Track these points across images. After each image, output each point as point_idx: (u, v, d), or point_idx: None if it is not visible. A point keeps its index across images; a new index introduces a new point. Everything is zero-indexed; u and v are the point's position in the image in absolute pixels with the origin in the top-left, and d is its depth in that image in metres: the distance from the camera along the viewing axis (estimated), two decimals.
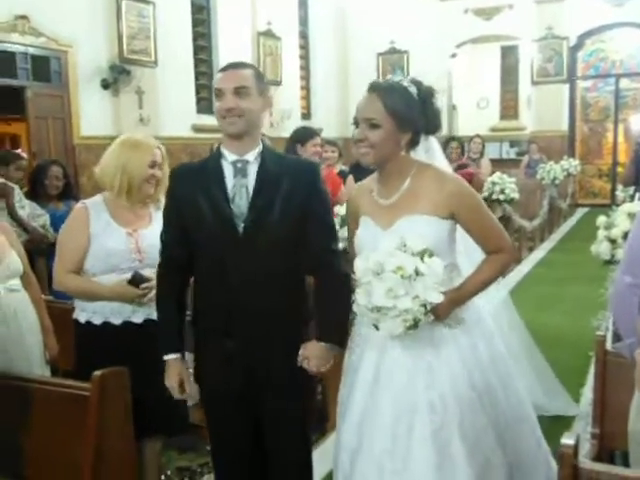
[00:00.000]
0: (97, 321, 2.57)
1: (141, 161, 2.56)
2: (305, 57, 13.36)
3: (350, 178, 5.00)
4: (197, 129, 9.81)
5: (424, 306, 1.90)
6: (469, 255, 2.21)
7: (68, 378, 2.50)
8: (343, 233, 2.58)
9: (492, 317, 2.35)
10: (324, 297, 2.19)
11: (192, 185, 2.16)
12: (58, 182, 4.61)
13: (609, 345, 2.48)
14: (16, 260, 2.72)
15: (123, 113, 8.68)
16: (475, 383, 2.06)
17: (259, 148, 2.17)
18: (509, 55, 15.51)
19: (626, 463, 2.09)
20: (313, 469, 2.36)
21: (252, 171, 2.14)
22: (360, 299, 1.94)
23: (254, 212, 2.10)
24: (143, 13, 8.81)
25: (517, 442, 2.15)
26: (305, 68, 13.35)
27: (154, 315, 2.39)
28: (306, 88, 13.39)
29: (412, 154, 2.14)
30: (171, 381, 2.22)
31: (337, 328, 2.19)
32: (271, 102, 2.25)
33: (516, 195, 7.83)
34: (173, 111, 9.27)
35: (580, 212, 12.99)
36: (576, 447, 1.49)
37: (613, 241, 3.41)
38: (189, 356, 2.34)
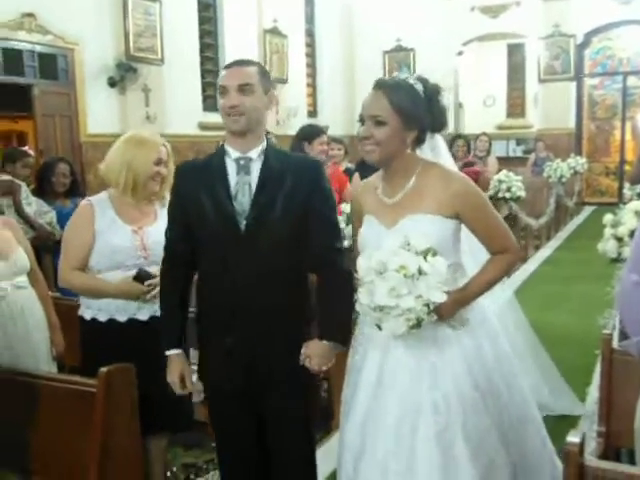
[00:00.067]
0: (102, 318, 2.57)
1: (147, 158, 2.56)
2: (311, 55, 13.35)
3: (356, 176, 4.99)
4: (203, 127, 9.83)
5: (427, 305, 1.88)
6: (474, 255, 2.19)
7: (75, 374, 2.51)
8: (349, 231, 2.58)
9: (497, 316, 2.34)
10: (327, 295, 2.18)
11: (196, 182, 2.16)
12: (65, 179, 4.63)
13: (616, 343, 2.48)
14: (23, 257, 2.73)
15: (130, 111, 8.70)
16: (479, 384, 2.05)
17: (262, 145, 2.16)
18: (516, 53, 15.46)
19: (632, 461, 2.08)
20: (317, 467, 2.36)
21: (255, 168, 2.14)
22: (363, 298, 1.93)
23: (256, 209, 2.10)
24: (150, 11, 8.83)
25: (522, 442, 2.14)
26: (311, 66, 13.34)
27: (159, 312, 2.40)
28: (312, 86, 13.39)
29: (418, 152, 2.13)
30: (172, 377, 2.23)
31: (340, 326, 2.18)
32: (276, 100, 2.25)
33: (522, 193, 7.81)
34: (179, 109, 9.28)
35: (587, 210, 12.94)
36: (582, 445, 1.49)
37: (620, 239, 3.40)
38: (194, 353, 2.35)
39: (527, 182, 8.39)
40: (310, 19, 13.13)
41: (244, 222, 2.10)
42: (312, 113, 13.08)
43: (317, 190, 2.16)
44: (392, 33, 13.61)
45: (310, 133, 4.46)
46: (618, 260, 3.40)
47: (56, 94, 7.93)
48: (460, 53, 14.43)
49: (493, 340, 2.14)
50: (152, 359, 2.29)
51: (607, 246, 3.46)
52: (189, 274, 2.28)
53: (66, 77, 8.06)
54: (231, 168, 2.15)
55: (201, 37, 10.30)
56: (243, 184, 2.12)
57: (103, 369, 2.20)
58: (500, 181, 7.69)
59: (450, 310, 2.00)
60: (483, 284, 2.08)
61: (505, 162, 10.62)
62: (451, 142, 6.76)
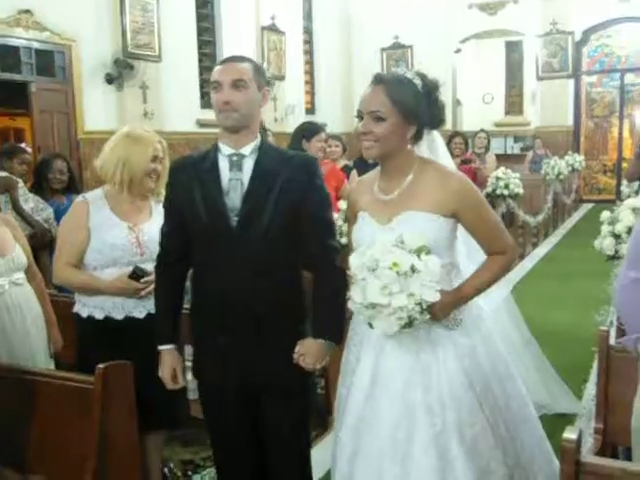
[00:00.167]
0: (99, 316, 2.56)
1: (143, 155, 2.56)
2: (309, 52, 13.34)
3: (354, 173, 5.00)
4: (201, 124, 9.81)
5: (419, 304, 1.86)
6: (471, 256, 2.16)
7: (72, 371, 2.50)
8: (347, 228, 2.57)
9: (493, 313, 2.32)
10: (321, 293, 2.17)
11: (189, 178, 2.16)
12: (62, 176, 4.61)
13: (613, 340, 2.48)
14: (20, 254, 2.73)
15: (127, 108, 8.68)
16: (473, 384, 2.02)
17: (256, 142, 2.15)
18: (514, 50, 15.45)
19: (629, 458, 2.08)
20: (314, 465, 2.36)
21: (248, 165, 2.13)
22: (355, 296, 1.90)
23: (247, 206, 2.09)
24: (147, 7, 8.80)
25: (518, 443, 2.11)
26: (309, 63, 13.33)
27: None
28: (310, 83, 13.38)
29: (415, 149, 2.10)
30: (164, 372, 2.24)
31: (333, 325, 2.17)
32: (270, 97, 2.23)
33: (520, 190, 7.81)
34: (177, 106, 9.27)
35: (585, 208, 12.95)
36: (578, 442, 1.49)
37: (617, 236, 3.40)
38: (189, 349, 2.35)
39: (525, 179, 8.40)
40: (308, 16, 13.12)
41: (235, 218, 2.09)
42: (310, 110, 13.06)
43: (311, 188, 2.14)
44: (390, 30, 13.59)
45: (309, 130, 4.46)
46: (615, 257, 3.40)
47: (53, 91, 7.92)
48: (458, 50, 14.42)
49: (487, 341, 2.11)
50: (149, 357, 2.29)
51: (604, 243, 3.46)
52: (184, 270, 2.28)
53: (63, 74, 8.05)
54: (224, 164, 2.14)
55: (199, 34, 10.29)
56: (235, 180, 2.11)
57: (100, 366, 2.19)
58: (498, 178, 7.70)
59: (444, 310, 1.97)
60: (479, 285, 2.05)
61: (503, 159, 10.62)
62: (449, 139, 6.75)
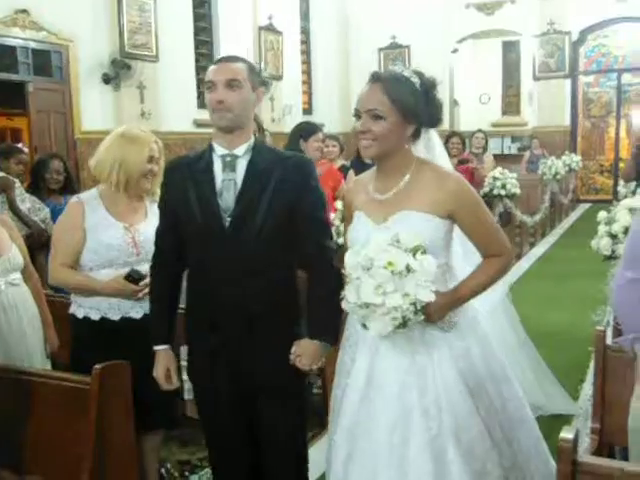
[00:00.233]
0: (95, 317, 2.55)
1: (139, 156, 2.54)
2: (306, 52, 13.33)
3: (351, 173, 5.00)
4: (198, 124, 9.80)
5: (414, 304, 1.83)
6: (467, 257, 2.13)
7: (69, 372, 2.50)
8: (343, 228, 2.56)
9: (489, 314, 2.31)
10: (316, 293, 2.16)
11: (183, 179, 2.15)
12: (59, 176, 4.61)
13: (609, 340, 2.48)
14: (17, 254, 2.72)
15: (124, 108, 8.67)
16: (469, 387, 2.00)
17: (249, 142, 2.15)
18: (511, 50, 15.46)
19: (626, 458, 2.09)
20: (310, 465, 2.35)
21: (241, 165, 2.12)
22: (349, 295, 1.87)
23: (240, 206, 2.08)
24: (144, 7, 8.79)
25: (514, 444, 2.09)
26: (306, 63, 13.33)
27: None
28: (307, 83, 13.37)
29: (412, 148, 2.08)
30: (158, 372, 2.25)
31: (330, 325, 2.16)
32: (262, 97, 2.22)
33: (517, 190, 7.81)
34: (174, 106, 9.26)
35: (582, 208, 12.98)
36: (575, 442, 1.49)
37: (614, 236, 3.40)
38: (184, 349, 2.35)
39: (522, 179, 8.41)
40: (305, 16, 13.11)
41: (228, 219, 2.09)
42: (307, 110, 13.06)
43: (306, 188, 2.14)
44: (387, 30, 13.60)
45: (306, 130, 4.46)
46: (612, 257, 3.41)
47: (50, 91, 7.91)
48: (455, 50, 14.43)
49: (483, 342, 2.09)
50: (145, 357, 2.29)
51: (601, 243, 3.46)
52: (180, 270, 2.28)
53: (60, 74, 8.03)
54: (217, 165, 2.14)
55: (196, 34, 10.27)
56: (228, 181, 2.11)
57: (97, 366, 2.19)
58: (495, 178, 7.70)
59: (439, 312, 1.95)
60: (475, 287, 2.03)
61: (500, 159, 10.61)
62: (446, 139, 6.75)
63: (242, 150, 2.13)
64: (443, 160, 2.19)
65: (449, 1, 13.54)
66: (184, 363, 2.34)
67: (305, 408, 2.33)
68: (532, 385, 3.47)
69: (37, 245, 4.09)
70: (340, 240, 2.95)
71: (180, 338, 2.36)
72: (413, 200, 2.00)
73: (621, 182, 7.81)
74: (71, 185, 4.70)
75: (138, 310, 2.54)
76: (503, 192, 7.69)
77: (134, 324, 2.53)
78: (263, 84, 2.23)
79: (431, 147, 2.14)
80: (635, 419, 1.85)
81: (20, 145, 7.45)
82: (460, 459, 1.93)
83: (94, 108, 8.29)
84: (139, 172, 2.55)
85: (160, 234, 2.27)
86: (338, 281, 2.06)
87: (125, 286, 2.49)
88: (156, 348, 2.25)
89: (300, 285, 2.25)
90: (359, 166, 4.71)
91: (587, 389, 3.51)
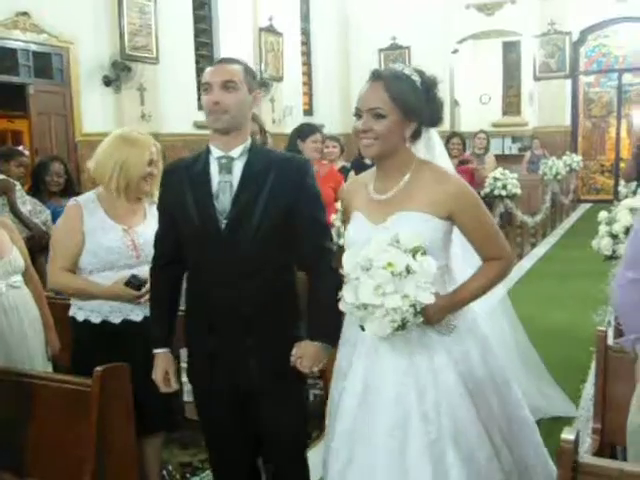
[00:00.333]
0: (95, 320, 2.55)
1: (140, 159, 2.54)
2: (307, 53, 13.34)
3: (351, 174, 5.01)
4: (199, 125, 9.79)
5: (413, 306, 1.79)
6: (466, 258, 2.10)
7: (70, 374, 2.50)
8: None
9: (489, 317, 2.28)
10: (316, 295, 2.15)
11: (181, 181, 2.15)
12: (59, 179, 4.62)
13: (611, 340, 2.48)
14: (18, 256, 2.72)
15: (125, 110, 8.68)
16: (469, 391, 1.98)
17: (246, 144, 2.14)
18: (511, 51, 15.46)
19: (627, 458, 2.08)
20: (310, 467, 2.34)
21: (238, 167, 2.12)
22: (347, 296, 1.84)
23: (236, 208, 2.08)
24: (144, 9, 8.80)
25: (514, 449, 2.07)
26: (307, 64, 13.33)
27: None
28: (308, 84, 13.38)
29: (412, 148, 2.06)
30: (156, 375, 2.24)
31: (330, 327, 2.15)
32: (259, 99, 2.21)
33: (518, 191, 7.81)
34: (175, 108, 9.26)
35: (582, 208, 12.96)
36: (576, 442, 1.48)
37: (615, 236, 3.40)
38: (184, 352, 2.35)
39: (523, 180, 8.41)
40: (305, 17, 13.12)
41: (225, 221, 2.08)
42: (308, 111, 13.06)
43: (303, 189, 2.13)
44: (387, 31, 13.60)
45: (304, 131, 4.46)
46: (613, 257, 3.40)
47: (51, 93, 7.91)
48: (455, 51, 14.43)
49: (483, 346, 2.07)
50: (146, 359, 2.28)
51: (602, 243, 3.46)
52: (179, 272, 2.28)
53: (61, 76, 8.04)
54: (214, 167, 2.13)
55: (196, 35, 10.28)
56: (224, 183, 2.10)
57: (98, 368, 2.19)
58: (496, 179, 7.70)
59: (438, 314, 1.92)
60: (474, 290, 2.00)
61: (501, 160, 10.61)
62: (447, 140, 6.75)
63: (238, 152, 2.12)
64: (443, 160, 2.16)
65: (449, 2, 13.54)
66: (184, 365, 2.34)
67: (305, 410, 2.33)
68: (531, 387, 3.44)
69: (38, 247, 4.10)
70: (341, 241, 2.94)
71: (180, 340, 2.35)
72: (413, 200, 1.97)
73: (622, 182, 7.81)
74: (72, 187, 4.71)
75: (138, 313, 2.54)
76: (504, 192, 7.69)
77: (134, 327, 2.53)
78: (261, 86, 2.22)
79: (431, 147, 2.12)
80: (634, 419, 1.85)
81: (21, 147, 7.47)
82: (460, 463, 1.91)
83: (95, 110, 8.29)
84: (139, 175, 2.55)
85: (159, 237, 2.27)
86: (338, 282, 2.04)
87: (125, 291, 2.49)
88: (155, 351, 2.25)
89: (300, 287, 2.25)
90: (360, 167, 4.71)
91: (589, 389, 3.51)
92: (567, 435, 1.49)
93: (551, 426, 3.11)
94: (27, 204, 4.31)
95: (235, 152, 2.12)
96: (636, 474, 1.45)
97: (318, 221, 2.18)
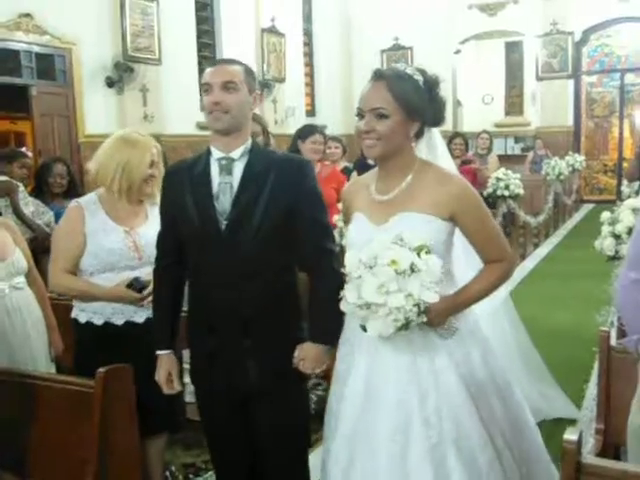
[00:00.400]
0: (98, 321, 2.54)
1: (141, 161, 2.54)
2: (309, 54, 13.35)
3: (354, 175, 5.00)
4: (202, 126, 9.77)
5: (417, 306, 1.77)
6: (468, 260, 2.08)
7: (73, 375, 2.50)
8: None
9: (491, 318, 2.26)
10: (318, 296, 2.15)
11: (182, 183, 2.15)
12: (62, 180, 4.63)
13: (614, 341, 2.47)
14: (21, 258, 2.73)
15: (127, 111, 8.69)
16: (471, 392, 1.96)
17: (246, 145, 2.14)
18: (514, 51, 15.47)
19: None
20: (310, 468, 2.33)
21: (238, 169, 2.12)
22: (349, 296, 1.81)
23: (237, 210, 2.08)
24: (147, 11, 8.81)
25: (516, 452, 2.05)
26: (309, 65, 13.34)
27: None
28: (310, 85, 13.38)
29: (414, 148, 2.04)
30: (159, 376, 2.24)
31: (332, 328, 2.14)
32: (259, 100, 2.21)
33: (521, 191, 7.80)
34: (177, 109, 9.26)
35: (585, 208, 12.95)
36: (579, 443, 1.48)
37: (617, 237, 3.39)
38: (186, 353, 2.35)
39: (525, 180, 8.40)
40: (308, 18, 13.12)
41: (225, 222, 2.08)
42: (310, 112, 13.06)
43: (303, 190, 2.12)
44: (390, 32, 13.59)
45: (304, 131, 4.47)
46: (616, 258, 3.40)
47: (54, 94, 7.92)
48: (458, 51, 14.43)
49: (484, 348, 2.05)
50: (149, 360, 2.28)
51: (604, 244, 3.45)
52: (182, 273, 2.27)
53: (64, 77, 8.05)
54: (214, 168, 2.13)
55: (199, 36, 10.29)
56: (225, 184, 2.10)
57: (101, 370, 2.19)
58: (498, 179, 7.70)
59: (440, 316, 1.91)
60: (476, 292, 1.98)
61: (504, 160, 10.60)
62: (449, 140, 6.75)
63: (238, 153, 2.12)
64: (445, 160, 2.15)
65: (452, 2, 13.54)
66: (186, 366, 2.34)
67: (305, 411, 2.32)
68: (532, 389, 3.43)
69: (41, 249, 4.10)
70: (344, 242, 2.94)
71: (182, 341, 2.36)
72: (415, 201, 1.96)
73: (625, 182, 7.79)
74: (75, 189, 4.71)
75: (141, 314, 2.54)
76: (507, 193, 7.68)
77: (137, 328, 2.53)
78: (264, 87, 2.22)
79: (433, 147, 2.11)
80: (634, 420, 1.85)
81: (24, 149, 7.49)
82: (461, 467, 1.90)
83: (97, 111, 8.30)
84: (141, 177, 2.54)
85: (162, 238, 2.27)
86: (339, 283, 2.03)
87: (127, 294, 2.48)
88: (158, 353, 2.25)
89: (301, 287, 2.24)
90: (363, 168, 4.70)
91: (592, 389, 3.50)
92: (570, 436, 1.48)
93: (552, 428, 3.10)
94: (30, 205, 4.32)
95: (235, 153, 2.12)
96: (638, 475, 1.45)
97: (319, 222, 2.17)
